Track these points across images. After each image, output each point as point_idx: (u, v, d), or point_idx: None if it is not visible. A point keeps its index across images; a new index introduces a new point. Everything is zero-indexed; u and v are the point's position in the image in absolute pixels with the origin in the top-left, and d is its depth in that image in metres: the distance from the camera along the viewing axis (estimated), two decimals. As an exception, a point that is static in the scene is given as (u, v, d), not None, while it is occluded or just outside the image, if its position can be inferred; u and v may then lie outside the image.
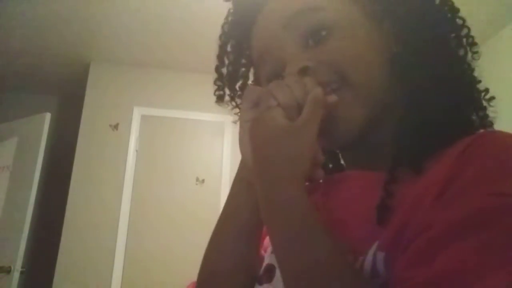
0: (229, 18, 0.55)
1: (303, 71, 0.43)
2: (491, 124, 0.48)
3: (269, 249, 0.50)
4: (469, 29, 0.49)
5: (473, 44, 0.49)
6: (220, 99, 0.56)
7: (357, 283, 0.35)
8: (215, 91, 0.55)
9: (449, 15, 0.48)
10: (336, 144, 0.49)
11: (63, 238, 2.54)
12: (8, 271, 2.35)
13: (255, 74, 0.55)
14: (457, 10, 0.49)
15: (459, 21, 0.48)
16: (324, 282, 0.34)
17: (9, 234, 2.51)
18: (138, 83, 2.94)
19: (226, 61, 0.55)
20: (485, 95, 0.49)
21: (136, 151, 2.81)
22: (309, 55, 0.45)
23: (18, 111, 3.05)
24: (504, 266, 0.29)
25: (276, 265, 0.45)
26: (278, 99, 0.41)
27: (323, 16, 0.45)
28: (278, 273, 0.44)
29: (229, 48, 0.55)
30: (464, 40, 0.49)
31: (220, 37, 0.55)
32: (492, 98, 0.49)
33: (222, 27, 0.55)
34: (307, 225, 0.37)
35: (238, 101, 0.56)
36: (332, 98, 0.42)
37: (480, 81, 0.48)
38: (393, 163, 0.41)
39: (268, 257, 0.49)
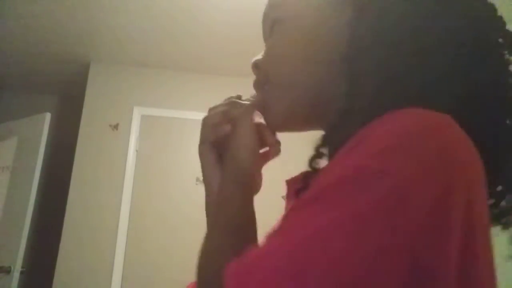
0: None
1: (255, 67, 0.50)
2: None
3: None
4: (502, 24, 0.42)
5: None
6: None
7: None
8: None
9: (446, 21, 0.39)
10: (272, 129, 0.51)
11: (63, 238, 2.53)
12: (8, 271, 2.35)
13: None
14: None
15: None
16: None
17: (9, 234, 2.51)
18: (138, 83, 2.94)
19: None
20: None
21: (136, 151, 2.81)
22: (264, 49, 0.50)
23: (18, 111, 3.05)
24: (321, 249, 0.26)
25: None
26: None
27: (277, 11, 0.49)
28: None
29: None
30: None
31: None
32: None
33: None
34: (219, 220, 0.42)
35: None
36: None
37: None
38: (313, 155, 0.44)
39: None
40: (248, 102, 0.50)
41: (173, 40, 2.65)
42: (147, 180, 2.75)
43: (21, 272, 2.40)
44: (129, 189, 2.71)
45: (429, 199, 0.26)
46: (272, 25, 0.49)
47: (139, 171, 2.76)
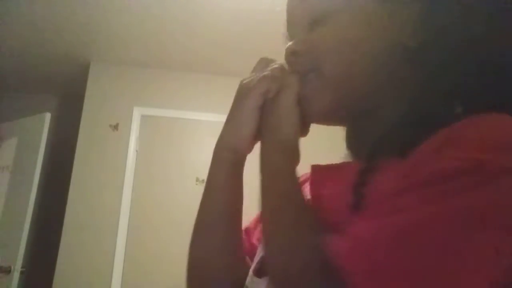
0: None
1: (293, 54, 0.47)
2: None
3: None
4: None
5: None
6: None
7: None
8: None
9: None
10: (309, 119, 0.49)
11: (63, 238, 2.53)
12: (8, 271, 2.35)
13: None
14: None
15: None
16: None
17: (9, 234, 2.51)
18: (138, 83, 2.94)
19: None
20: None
21: (136, 151, 2.81)
22: (306, 38, 0.47)
23: (18, 111, 3.05)
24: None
25: None
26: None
27: (329, 2, 0.46)
28: None
29: None
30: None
31: None
32: None
33: None
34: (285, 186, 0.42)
35: None
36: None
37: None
38: (372, 151, 0.41)
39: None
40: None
41: (173, 40, 2.65)
42: (147, 180, 2.75)
43: (21, 272, 2.40)
44: (129, 189, 2.71)
45: None
46: (319, 15, 0.46)
47: (139, 171, 2.76)
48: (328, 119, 0.49)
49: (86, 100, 2.86)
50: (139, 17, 2.42)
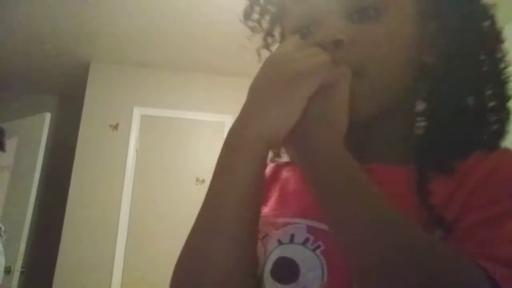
0: None
1: (336, 43, 0.41)
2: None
3: (273, 238, 0.43)
4: (504, 54, 0.47)
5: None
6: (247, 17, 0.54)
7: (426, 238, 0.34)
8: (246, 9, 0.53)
9: (492, 42, 0.47)
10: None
11: (63, 238, 2.53)
12: (8, 271, 2.35)
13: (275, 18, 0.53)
14: (500, 40, 0.48)
15: (498, 46, 0.47)
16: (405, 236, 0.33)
17: (9, 234, 2.51)
18: (138, 83, 2.94)
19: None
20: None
21: (136, 151, 2.81)
22: (348, 29, 0.42)
23: (18, 111, 3.05)
24: None
25: (297, 260, 0.40)
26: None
27: None
28: (303, 270, 0.40)
29: None
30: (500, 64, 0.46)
31: None
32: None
33: None
34: (366, 187, 0.36)
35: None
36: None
37: (508, 98, 0.46)
38: (424, 162, 0.41)
39: (278, 248, 0.42)
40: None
41: (173, 40, 2.65)
42: (147, 180, 2.75)
43: (21, 272, 2.40)
44: (129, 189, 2.71)
45: None
46: (368, 7, 0.43)
47: (139, 171, 2.76)
48: (364, 124, 0.44)
49: (86, 100, 2.86)
50: (139, 18, 2.42)
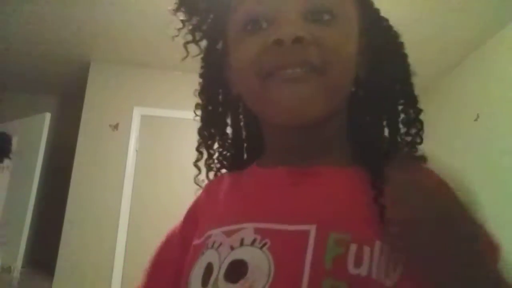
0: None
1: (298, 41, 0.42)
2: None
3: (226, 245, 0.44)
4: (411, 74, 0.54)
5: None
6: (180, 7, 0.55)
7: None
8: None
9: (405, 63, 0.53)
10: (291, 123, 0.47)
11: (63, 238, 2.53)
12: (8, 271, 2.35)
13: (215, 17, 0.54)
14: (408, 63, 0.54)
15: (409, 66, 0.53)
16: None
17: (9, 234, 2.52)
18: (138, 83, 2.94)
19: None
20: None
21: (136, 151, 2.81)
22: (306, 27, 0.43)
23: (18, 111, 3.05)
24: None
25: (246, 260, 0.42)
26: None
27: (336, 4, 0.45)
28: (251, 267, 0.41)
29: None
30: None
31: None
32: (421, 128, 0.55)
33: None
34: None
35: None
36: None
37: (420, 111, 0.54)
38: (378, 163, 0.44)
39: (230, 253, 0.44)
40: None
41: (173, 40, 2.65)
42: (147, 180, 2.75)
43: (21, 272, 2.40)
44: (129, 189, 2.71)
45: None
46: (326, 11, 0.44)
47: (139, 171, 2.76)
48: (311, 124, 0.46)
49: (86, 100, 2.86)
50: (139, 17, 2.42)
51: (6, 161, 2.77)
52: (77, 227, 2.57)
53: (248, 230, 0.44)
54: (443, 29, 2.51)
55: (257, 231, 0.43)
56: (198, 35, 0.55)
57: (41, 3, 2.31)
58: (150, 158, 2.81)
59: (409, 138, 0.51)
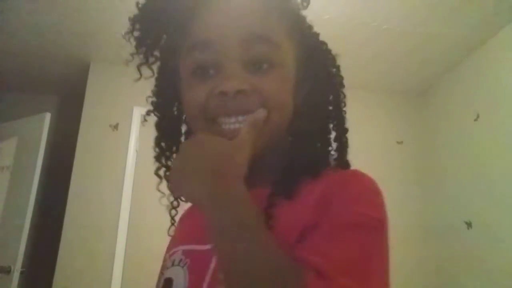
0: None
1: (240, 92, 0.49)
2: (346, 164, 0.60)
3: (169, 263, 0.57)
4: (344, 95, 0.62)
5: (344, 105, 0.62)
6: (140, 44, 0.60)
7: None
8: (133, 32, 0.59)
9: (338, 86, 0.61)
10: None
11: (63, 238, 2.53)
12: (8, 271, 2.35)
13: (167, 54, 0.59)
14: (342, 85, 0.62)
15: (341, 89, 0.61)
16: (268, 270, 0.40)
17: (9, 234, 2.52)
18: (138, 83, 2.93)
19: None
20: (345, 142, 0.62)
21: (136, 151, 2.81)
22: (247, 79, 0.50)
23: (18, 111, 3.05)
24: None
25: (173, 277, 0.53)
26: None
27: (274, 53, 0.51)
28: (175, 283, 0.52)
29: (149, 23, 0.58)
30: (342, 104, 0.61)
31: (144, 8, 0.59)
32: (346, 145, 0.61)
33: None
34: (252, 216, 0.43)
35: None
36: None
37: (346, 130, 0.61)
38: (276, 182, 0.51)
39: (168, 270, 0.56)
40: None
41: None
42: (147, 180, 2.74)
43: (21, 272, 2.40)
44: (129, 189, 2.71)
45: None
46: (265, 60, 0.51)
47: (139, 171, 2.76)
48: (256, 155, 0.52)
49: (86, 100, 2.86)
50: (139, 17, 2.42)
51: (6, 161, 2.77)
52: (77, 227, 2.57)
53: (179, 252, 0.55)
54: (443, 29, 2.51)
55: (184, 252, 0.54)
56: (151, 59, 0.60)
57: (41, 3, 2.31)
58: (150, 158, 2.80)
59: (338, 153, 0.60)
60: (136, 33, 0.58)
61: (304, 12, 0.60)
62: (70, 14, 2.43)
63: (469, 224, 2.66)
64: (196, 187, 0.45)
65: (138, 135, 2.85)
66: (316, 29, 0.62)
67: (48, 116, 2.73)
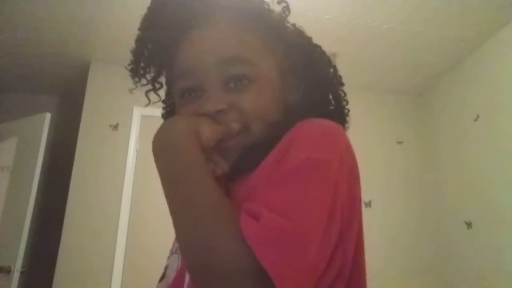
0: (158, 20, 0.63)
1: (219, 112, 0.54)
2: None
3: (170, 253, 0.64)
4: (344, 93, 0.65)
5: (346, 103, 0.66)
6: (134, 73, 0.65)
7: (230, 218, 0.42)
8: (134, 67, 0.64)
9: (334, 80, 0.65)
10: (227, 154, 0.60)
11: (63, 238, 2.53)
12: (8, 271, 2.35)
13: (167, 81, 0.68)
14: (342, 83, 0.65)
15: (340, 88, 0.65)
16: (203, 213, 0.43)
17: (9, 234, 2.51)
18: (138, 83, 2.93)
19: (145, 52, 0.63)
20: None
21: (136, 151, 2.81)
22: (226, 98, 0.55)
23: (18, 111, 3.05)
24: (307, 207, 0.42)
25: (169, 264, 0.62)
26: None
27: (250, 70, 0.55)
28: (169, 267, 0.62)
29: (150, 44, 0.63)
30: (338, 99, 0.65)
31: (146, 28, 0.65)
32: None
33: (149, 18, 0.65)
34: (196, 164, 0.49)
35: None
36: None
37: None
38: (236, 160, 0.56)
39: (168, 259, 0.65)
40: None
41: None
42: (147, 180, 2.75)
43: (21, 272, 2.40)
44: (129, 189, 2.71)
45: (347, 179, 0.48)
46: (243, 78, 0.55)
47: (139, 171, 2.76)
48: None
49: (86, 100, 2.86)
50: (140, 17, 2.42)
51: (6, 161, 2.77)
52: (77, 227, 2.57)
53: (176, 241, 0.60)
54: (443, 29, 2.51)
55: None
56: (157, 85, 0.67)
57: (41, 3, 2.31)
58: (150, 158, 2.79)
59: None
60: (140, 65, 0.65)
61: (301, 14, 0.65)
62: (69, 14, 2.43)
63: (469, 224, 2.66)
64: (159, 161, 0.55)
65: (138, 135, 2.85)
66: (316, 29, 0.64)
67: (48, 116, 2.73)
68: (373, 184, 2.83)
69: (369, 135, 3.02)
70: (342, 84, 0.65)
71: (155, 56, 0.62)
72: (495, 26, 2.48)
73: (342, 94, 0.64)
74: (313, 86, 0.61)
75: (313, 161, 0.45)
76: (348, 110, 0.65)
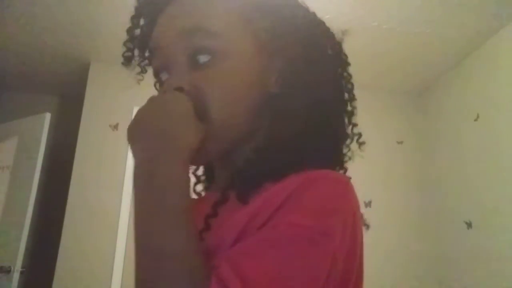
0: None
1: (177, 90, 0.47)
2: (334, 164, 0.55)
3: None
4: (352, 85, 0.56)
5: (353, 99, 0.57)
6: (128, 60, 0.61)
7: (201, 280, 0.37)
8: (124, 52, 0.60)
9: (339, 69, 0.55)
10: (196, 162, 0.56)
11: (63, 238, 2.53)
12: (8, 271, 2.35)
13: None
14: (347, 64, 0.56)
15: (347, 76, 0.56)
16: (171, 268, 0.39)
17: (9, 234, 2.51)
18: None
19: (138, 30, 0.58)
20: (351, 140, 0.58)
21: (136, 151, 2.81)
22: (188, 77, 0.48)
23: (18, 111, 3.05)
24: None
25: None
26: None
27: (213, 42, 0.48)
28: None
29: (142, 21, 0.58)
30: (346, 94, 0.55)
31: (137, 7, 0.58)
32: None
33: None
34: (178, 208, 0.41)
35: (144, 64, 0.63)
36: None
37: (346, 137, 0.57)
38: (225, 186, 0.47)
39: None
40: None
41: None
42: (147, 180, 2.75)
43: (21, 272, 2.40)
44: (129, 189, 2.71)
45: (348, 243, 0.42)
46: (205, 51, 0.48)
47: (139, 171, 2.76)
48: (207, 163, 0.54)
49: (86, 100, 2.86)
50: (139, 17, 2.42)
51: (6, 161, 2.77)
52: (77, 227, 2.57)
53: None
54: (443, 29, 2.51)
55: None
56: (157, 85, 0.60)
57: (41, 3, 2.31)
58: (150, 158, 2.81)
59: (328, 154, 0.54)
60: (132, 52, 0.61)
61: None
62: (70, 14, 2.43)
63: (469, 224, 2.66)
64: (138, 151, 0.44)
65: (138, 135, 2.84)
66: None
67: (48, 116, 2.73)
68: (373, 184, 2.83)
69: (369, 135, 3.01)
70: (348, 64, 0.55)
71: (141, 39, 0.58)
72: (494, 26, 2.48)
73: (348, 77, 0.55)
74: (304, 75, 0.51)
75: (312, 232, 0.39)
76: (351, 113, 0.55)
